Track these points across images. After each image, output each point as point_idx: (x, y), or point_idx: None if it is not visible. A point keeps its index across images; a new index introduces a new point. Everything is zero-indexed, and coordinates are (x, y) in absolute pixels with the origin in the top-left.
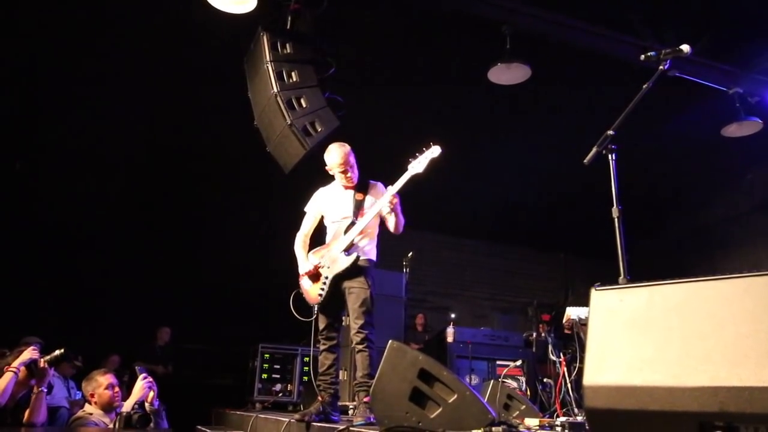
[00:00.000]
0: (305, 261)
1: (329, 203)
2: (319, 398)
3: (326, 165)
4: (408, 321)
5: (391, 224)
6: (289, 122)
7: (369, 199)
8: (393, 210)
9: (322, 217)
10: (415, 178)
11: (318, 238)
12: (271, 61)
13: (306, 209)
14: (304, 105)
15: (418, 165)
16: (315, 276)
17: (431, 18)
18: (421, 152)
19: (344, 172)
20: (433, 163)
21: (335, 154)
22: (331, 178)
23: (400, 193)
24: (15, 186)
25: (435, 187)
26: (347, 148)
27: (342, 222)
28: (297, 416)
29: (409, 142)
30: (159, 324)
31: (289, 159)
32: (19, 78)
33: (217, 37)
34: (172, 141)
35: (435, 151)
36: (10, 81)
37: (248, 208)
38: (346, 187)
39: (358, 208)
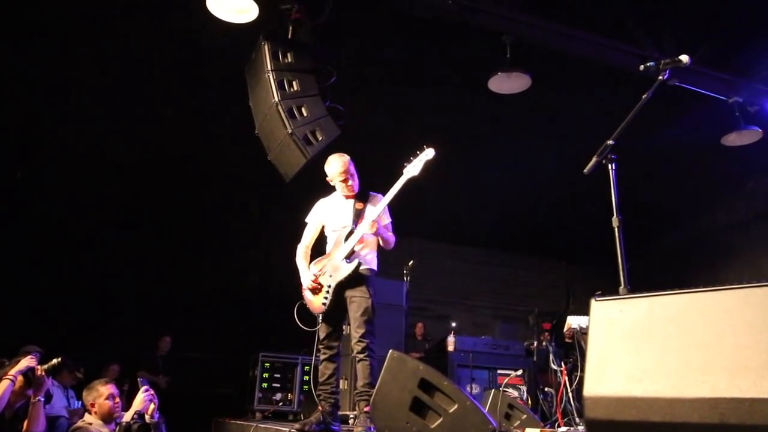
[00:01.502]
0: (307, 272)
1: (330, 212)
2: (320, 408)
3: (327, 176)
4: (408, 330)
5: (381, 242)
6: (290, 131)
7: (369, 209)
8: (376, 234)
9: (323, 227)
10: (412, 182)
11: (318, 249)
12: (272, 70)
13: (307, 220)
14: (305, 114)
15: (413, 169)
16: (316, 287)
17: (432, 27)
18: (416, 156)
19: (345, 180)
20: (430, 167)
21: (336, 164)
22: (332, 189)
23: (395, 201)
24: (16, 194)
25: (436, 195)
26: (346, 157)
27: (342, 231)
28: (297, 426)
29: (410, 149)
30: (159, 333)
31: (290, 168)
32: (20, 86)
33: (218, 45)
34: (173, 150)
35: (429, 153)
36: (11, 89)
37: (249, 217)
38: (347, 197)
39: (358, 216)
